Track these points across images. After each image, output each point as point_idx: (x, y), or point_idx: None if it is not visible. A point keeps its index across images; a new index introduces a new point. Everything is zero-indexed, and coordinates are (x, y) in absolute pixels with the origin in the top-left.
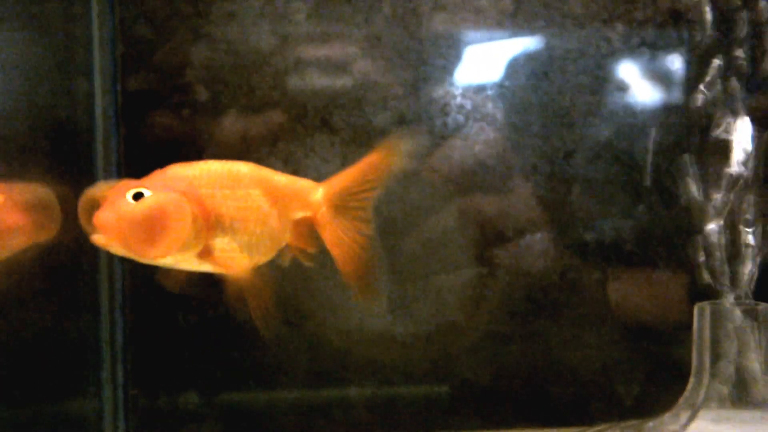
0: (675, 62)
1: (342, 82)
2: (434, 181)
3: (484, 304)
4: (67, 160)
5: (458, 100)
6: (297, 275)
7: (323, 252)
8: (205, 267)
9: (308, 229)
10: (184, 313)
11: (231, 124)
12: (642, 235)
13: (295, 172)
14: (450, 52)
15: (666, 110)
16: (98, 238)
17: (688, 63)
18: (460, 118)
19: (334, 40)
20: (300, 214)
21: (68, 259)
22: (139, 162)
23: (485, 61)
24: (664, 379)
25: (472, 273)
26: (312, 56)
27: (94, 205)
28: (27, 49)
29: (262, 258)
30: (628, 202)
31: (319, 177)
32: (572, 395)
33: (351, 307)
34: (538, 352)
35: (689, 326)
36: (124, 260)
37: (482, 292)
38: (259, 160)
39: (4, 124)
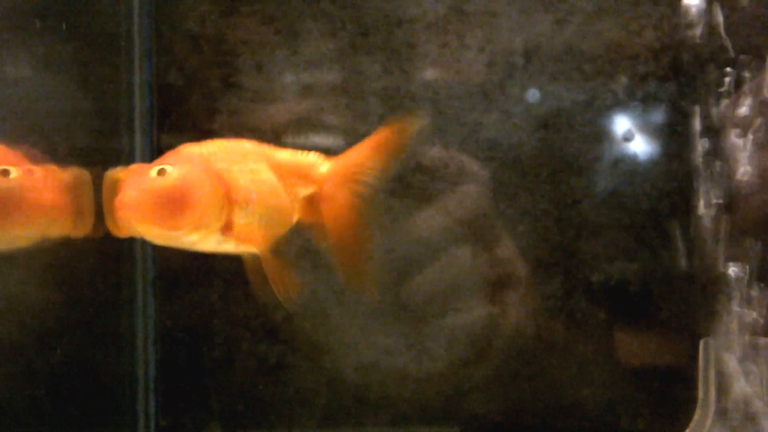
0: (677, 113)
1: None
2: (448, 223)
3: (495, 342)
4: None
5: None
6: (315, 309)
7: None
8: (226, 246)
9: (318, 205)
10: (209, 348)
11: None
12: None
13: None
14: (461, 104)
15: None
16: (122, 218)
17: (687, 114)
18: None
19: (356, 90)
20: (306, 190)
21: (104, 292)
22: None
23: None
24: (670, 414)
25: (484, 313)
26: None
27: (116, 189)
28: (76, 94)
29: (276, 232)
30: (633, 246)
31: None
32: (578, 431)
33: (367, 342)
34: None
35: (694, 361)
36: (157, 293)
37: (493, 331)
38: None
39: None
